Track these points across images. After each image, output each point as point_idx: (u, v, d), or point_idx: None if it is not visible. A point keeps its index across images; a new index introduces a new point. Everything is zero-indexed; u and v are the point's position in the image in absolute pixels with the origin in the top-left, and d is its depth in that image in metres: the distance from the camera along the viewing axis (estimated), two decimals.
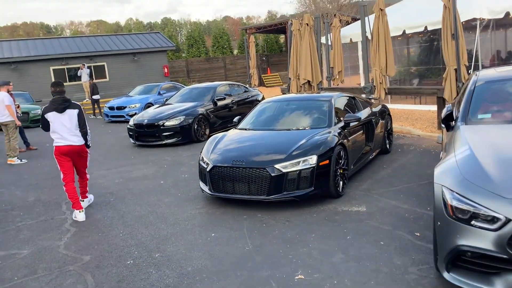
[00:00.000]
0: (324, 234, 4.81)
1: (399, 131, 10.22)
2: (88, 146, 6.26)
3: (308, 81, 12.11)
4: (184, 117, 11.18)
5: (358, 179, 6.77)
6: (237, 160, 5.77)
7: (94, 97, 19.07)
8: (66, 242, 5.21)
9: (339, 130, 6.32)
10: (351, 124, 6.64)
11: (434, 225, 3.50)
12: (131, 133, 11.59)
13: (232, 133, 6.81)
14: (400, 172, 7.01)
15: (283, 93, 14.85)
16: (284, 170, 5.52)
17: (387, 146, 8.28)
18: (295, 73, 12.62)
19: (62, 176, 6.05)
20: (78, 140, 6.05)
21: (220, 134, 6.84)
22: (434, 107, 12.38)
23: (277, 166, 5.54)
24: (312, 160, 5.60)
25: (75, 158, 6.10)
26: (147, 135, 11.27)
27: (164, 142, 11.04)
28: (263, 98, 14.41)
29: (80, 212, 5.95)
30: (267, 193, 5.55)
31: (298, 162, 5.57)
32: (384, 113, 8.32)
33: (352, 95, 7.82)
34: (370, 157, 7.43)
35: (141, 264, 4.44)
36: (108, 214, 6.10)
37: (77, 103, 6.25)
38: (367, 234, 4.73)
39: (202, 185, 6.24)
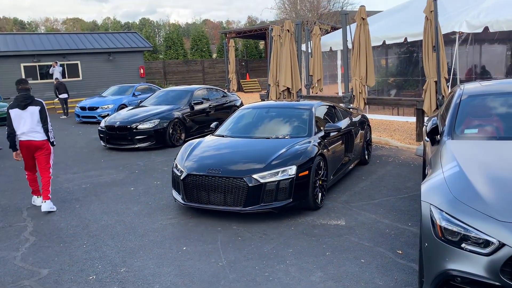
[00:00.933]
0: (302, 250, 4.56)
1: (377, 141, 10.11)
2: (52, 144, 6.32)
3: (288, 88, 11.92)
4: (159, 120, 10.80)
5: (337, 190, 6.57)
6: (213, 168, 5.47)
7: (61, 96, 18.43)
8: (24, 253, 4.80)
9: (319, 140, 6.11)
10: (331, 134, 6.45)
11: (420, 245, 3.30)
12: (102, 135, 11.13)
13: (209, 140, 6.51)
14: (379, 184, 6.85)
15: (262, 100, 14.63)
16: (262, 181, 5.26)
17: (366, 157, 8.13)
18: (274, 79, 12.42)
19: (24, 166, 6.44)
20: (39, 136, 6.18)
21: (196, 140, 6.53)
22: (412, 119, 12.38)
23: (255, 176, 5.27)
24: (292, 170, 5.36)
25: (35, 153, 6.26)
26: (119, 138, 10.83)
27: (136, 146, 10.63)
28: (241, 104, 14.16)
29: (38, 197, 6.52)
30: (243, 204, 5.28)
31: (277, 173, 5.32)
32: (364, 124, 8.17)
33: (332, 104, 7.64)
34: (349, 168, 7.25)
35: (105, 280, 4.09)
36: (72, 223, 5.70)
37: (40, 100, 6.31)
38: (347, 250, 4.51)
39: (175, 193, 5.92)
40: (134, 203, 6.40)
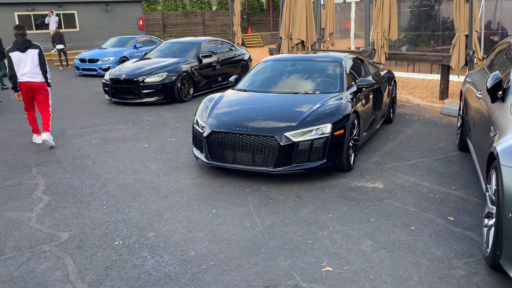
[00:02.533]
0: (343, 215, 4.21)
1: (397, 99, 9.64)
2: (49, 85, 6.81)
3: (302, 42, 11.29)
4: (166, 73, 10.21)
5: (366, 151, 6.17)
6: (240, 125, 5.02)
7: (58, 46, 17.64)
8: (39, 214, 4.42)
9: (352, 96, 5.64)
10: (363, 89, 5.97)
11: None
12: (106, 88, 10.56)
13: (231, 94, 6.01)
14: (409, 144, 6.45)
15: (271, 54, 13.98)
16: (294, 139, 4.83)
17: (391, 115, 7.69)
18: (287, 32, 11.75)
19: (24, 107, 6.89)
20: (38, 78, 6.64)
21: (217, 95, 6.04)
22: (430, 76, 11.88)
23: (287, 134, 4.84)
24: (326, 128, 4.93)
25: (34, 94, 6.74)
26: (125, 91, 10.27)
27: (143, 101, 10.10)
28: (249, 58, 13.53)
29: (37, 136, 6.95)
30: (274, 164, 4.87)
31: (311, 131, 4.89)
32: (391, 79, 7.68)
33: (360, 57, 7.11)
34: (377, 127, 6.83)
35: (133, 246, 3.73)
36: (87, 181, 5.30)
37: (38, 44, 6.83)
38: (392, 216, 4.16)
39: (196, 151, 5.50)
40: (151, 161, 5.99)
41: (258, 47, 27.52)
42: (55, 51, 18.63)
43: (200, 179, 5.24)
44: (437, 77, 11.04)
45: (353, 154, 5.40)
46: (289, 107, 5.31)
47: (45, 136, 6.62)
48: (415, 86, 10.99)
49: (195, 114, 5.67)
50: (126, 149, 6.61)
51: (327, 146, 4.92)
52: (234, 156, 5.03)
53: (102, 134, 7.51)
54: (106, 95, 10.66)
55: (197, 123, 5.48)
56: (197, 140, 5.44)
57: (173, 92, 10.23)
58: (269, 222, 4.09)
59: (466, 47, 8.28)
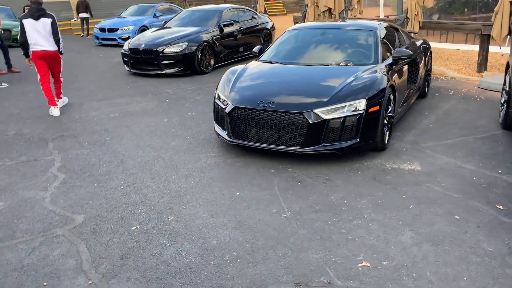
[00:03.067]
0: (378, 201, 3.85)
1: (431, 72, 9.06)
2: (61, 53, 6.87)
3: (329, 9, 10.67)
4: (187, 43, 9.80)
5: (400, 128, 5.74)
6: (265, 101, 4.64)
7: (81, 15, 17.35)
8: (53, 194, 4.19)
9: (387, 68, 5.18)
10: (399, 61, 5.48)
11: None
12: (125, 59, 10.23)
13: (255, 66, 5.61)
14: (447, 121, 5.98)
15: (296, 23, 13.38)
16: (325, 117, 4.44)
17: (426, 88, 7.18)
18: None
19: (39, 77, 6.79)
20: (51, 47, 6.67)
21: (239, 67, 5.64)
22: (464, 46, 11.18)
23: (316, 111, 4.45)
24: (361, 105, 4.51)
25: (49, 62, 6.78)
26: (145, 62, 9.93)
27: (163, 72, 9.76)
28: (273, 27, 12.98)
29: (55, 108, 6.82)
30: (302, 143, 4.51)
31: (343, 107, 4.48)
32: (427, 50, 7.14)
33: (394, 26, 6.57)
34: (412, 102, 6.35)
35: (151, 232, 3.47)
36: (105, 158, 5.05)
37: (51, 13, 6.78)
38: (433, 203, 3.78)
39: (217, 128, 5.16)
40: (171, 137, 5.70)
41: (281, 15, 26.70)
42: (75, 20, 18.35)
43: (222, 158, 4.93)
44: (473, 47, 10.37)
45: (387, 132, 4.99)
46: (318, 81, 4.89)
47: (61, 102, 7.20)
48: (449, 57, 10.33)
49: (217, 88, 5.31)
50: (145, 123, 6.33)
51: (361, 124, 4.52)
52: (258, 134, 4.68)
53: (121, 107, 7.24)
54: (125, 66, 10.35)
55: (219, 97, 5.12)
56: (219, 116, 5.10)
57: (194, 63, 9.84)
58: (297, 208, 3.76)
59: (510, 15, 7.60)
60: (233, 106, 4.79)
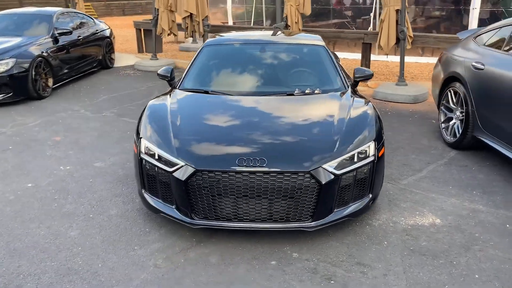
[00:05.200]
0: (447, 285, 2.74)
1: None
2: None
3: (191, 15, 9.16)
4: (14, 60, 7.09)
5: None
6: (248, 157, 3.07)
7: None
8: None
9: (357, 95, 4.13)
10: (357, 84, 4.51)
11: None
12: None
13: (188, 100, 3.89)
14: (393, 144, 5.29)
15: (139, 29, 11.44)
16: (337, 172, 3.12)
17: None
18: (166, 2, 9.43)
19: None
20: None
21: (162, 100, 3.87)
22: (348, 55, 10.89)
23: (326, 166, 3.10)
24: (370, 149, 3.34)
25: None
26: None
27: None
28: (111, 34, 10.78)
29: None
30: (312, 215, 3.10)
31: (353, 156, 3.24)
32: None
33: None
34: None
35: None
36: None
37: None
38: (498, 272, 2.86)
39: (155, 202, 3.34)
40: (58, 220, 3.55)
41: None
42: None
43: (177, 253, 3.14)
44: (355, 56, 10.16)
45: None
46: (300, 120, 3.53)
47: None
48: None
49: (139, 135, 3.46)
50: None
51: (373, 173, 3.35)
52: (237, 209, 3.08)
53: None
54: None
55: (150, 153, 3.29)
56: (157, 183, 3.28)
57: (27, 85, 7.21)
58: None
59: (397, 24, 7.46)
60: (193, 170, 3.05)
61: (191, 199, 3.11)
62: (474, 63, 4.74)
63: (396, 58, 8.79)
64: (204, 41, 7.30)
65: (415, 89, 7.32)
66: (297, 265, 2.99)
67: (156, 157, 3.28)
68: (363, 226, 3.48)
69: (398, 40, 7.54)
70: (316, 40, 4.76)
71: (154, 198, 3.37)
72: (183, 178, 3.07)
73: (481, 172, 4.48)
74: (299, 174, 3.02)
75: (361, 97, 4.04)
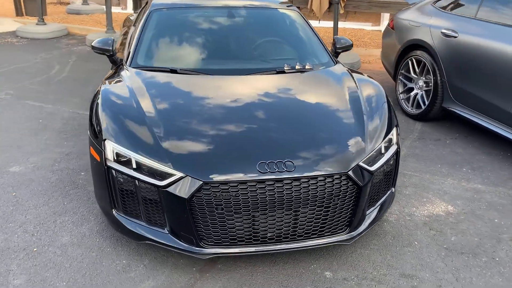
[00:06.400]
0: None
1: None
2: None
3: None
4: None
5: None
6: (269, 160, 2.35)
7: None
8: None
9: (354, 72, 3.58)
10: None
11: None
12: None
13: (161, 84, 2.95)
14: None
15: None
16: (371, 169, 2.57)
17: None
18: None
19: None
20: None
21: (120, 87, 2.88)
22: None
23: (362, 163, 2.52)
24: (394, 137, 2.85)
25: None
26: None
27: None
28: None
29: None
30: (348, 224, 2.52)
31: (380, 148, 2.70)
32: None
33: None
34: None
35: None
36: None
37: None
38: None
39: (145, 230, 2.47)
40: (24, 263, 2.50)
41: None
42: None
43: None
44: None
45: None
46: (314, 107, 2.88)
47: None
48: None
49: (99, 135, 2.52)
50: None
51: (398, 164, 2.88)
52: (259, 228, 2.37)
53: None
54: None
55: (127, 161, 2.40)
56: (144, 202, 2.41)
57: None
58: None
59: None
60: (200, 183, 2.25)
61: (198, 222, 2.31)
62: (444, 31, 4.49)
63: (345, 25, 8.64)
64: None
65: (351, 57, 7.04)
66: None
67: (134, 165, 2.39)
68: (380, 223, 3.02)
69: (330, 4, 7.13)
70: (286, 4, 4.04)
71: (134, 220, 2.50)
72: (186, 195, 2.25)
73: (457, 146, 4.31)
74: (335, 177, 2.40)
75: (357, 73, 3.50)
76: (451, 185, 3.59)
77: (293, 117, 2.73)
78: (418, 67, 4.85)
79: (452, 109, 4.49)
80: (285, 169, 2.33)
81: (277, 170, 2.32)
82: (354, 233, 2.54)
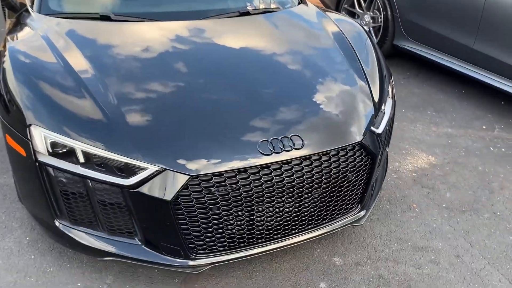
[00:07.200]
0: None
1: None
2: None
3: None
4: None
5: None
6: (272, 137, 1.78)
7: None
8: None
9: (328, 11, 3.02)
10: None
11: None
12: None
13: (94, 37, 2.12)
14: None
15: None
16: (379, 131, 2.12)
17: None
18: None
19: None
20: None
21: (33, 44, 2.02)
22: None
23: (373, 128, 2.07)
24: (389, 93, 2.42)
25: None
26: None
27: None
28: None
29: None
30: (360, 201, 2.10)
31: (383, 110, 2.27)
32: None
33: None
34: None
35: None
36: None
37: None
38: None
39: (108, 243, 1.80)
40: None
41: None
42: None
43: None
44: None
45: None
46: (303, 62, 2.28)
47: None
48: None
49: (20, 119, 1.74)
50: None
51: (393, 121, 2.49)
52: (263, 222, 1.84)
53: None
54: None
55: (69, 152, 1.69)
56: (102, 208, 1.74)
57: None
58: None
59: None
60: (186, 178, 1.63)
61: (185, 229, 1.72)
62: None
63: None
64: None
65: None
66: (354, 278, 2.05)
67: (82, 158, 1.68)
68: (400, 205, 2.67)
69: None
70: None
71: (88, 231, 1.82)
72: (169, 197, 1.63)
73: (412, 85, 4.08)
74: (348, 148, 1.93)
75: (331, 12, 2.96)
76: (422, 131, 3.35)
77: (283, 76, 2.14)
78: (364, 2, 4.43)
79: (405, 47, 4.20)
80: (293, 147, 1.79)
81: (283, 149, 1.77)
82: (365, 211, 2.13)
